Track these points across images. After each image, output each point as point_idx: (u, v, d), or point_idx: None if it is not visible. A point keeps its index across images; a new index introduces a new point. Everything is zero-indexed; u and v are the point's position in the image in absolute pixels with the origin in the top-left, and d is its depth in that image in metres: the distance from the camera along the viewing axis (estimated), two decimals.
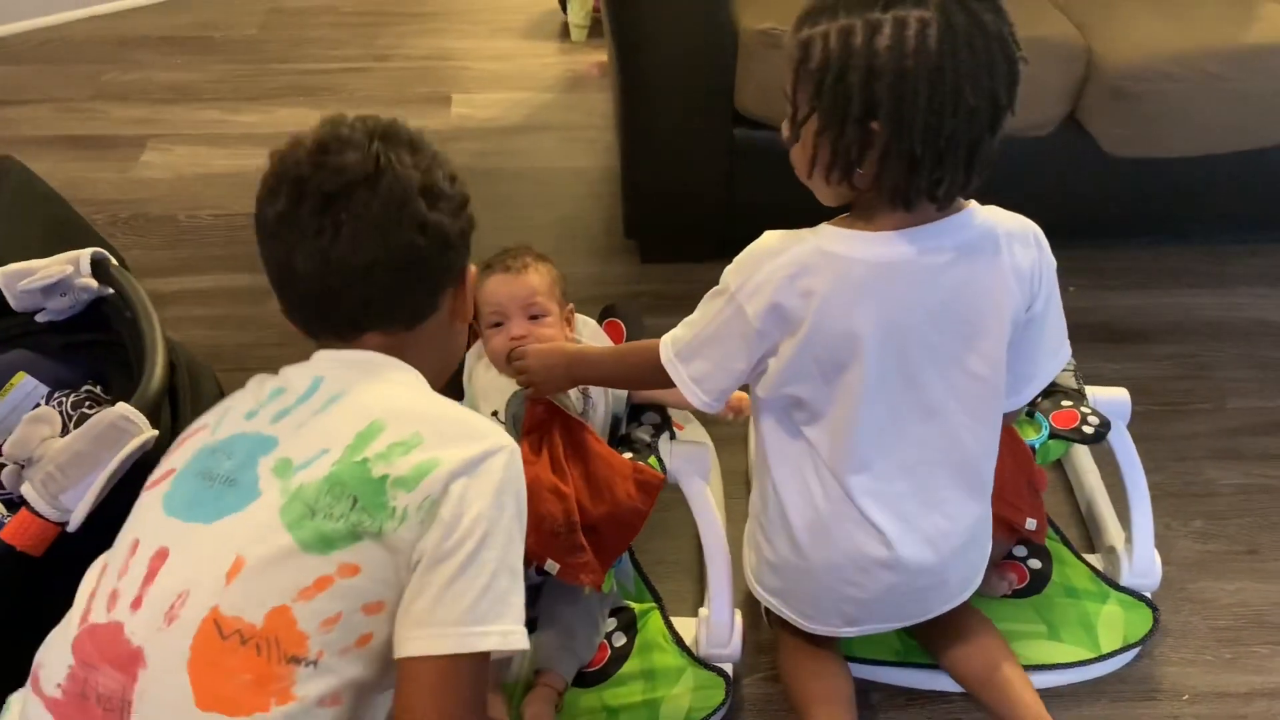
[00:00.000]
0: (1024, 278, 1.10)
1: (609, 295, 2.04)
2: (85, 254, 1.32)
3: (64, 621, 0.92)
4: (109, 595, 0.87)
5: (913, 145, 0.98)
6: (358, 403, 0.92)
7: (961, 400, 1.13)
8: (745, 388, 1.20)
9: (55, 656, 0.88)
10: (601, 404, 1.45)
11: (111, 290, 1.32)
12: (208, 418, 0.98)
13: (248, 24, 2.99)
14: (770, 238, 1.10)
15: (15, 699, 0.94)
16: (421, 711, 0.86)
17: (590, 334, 1.54)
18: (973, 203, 1.10)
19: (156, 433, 1.13)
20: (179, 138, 2.51)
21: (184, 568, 0.86)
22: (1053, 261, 1.14)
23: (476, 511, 0.87)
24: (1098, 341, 1.97)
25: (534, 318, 1.43)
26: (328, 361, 0.97)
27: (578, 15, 2.88)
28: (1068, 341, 1.22)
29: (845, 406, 1.11)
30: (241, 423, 0.94)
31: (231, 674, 0.83)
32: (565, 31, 2.96)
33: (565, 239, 2.24)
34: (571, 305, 1.56)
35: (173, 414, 1.21)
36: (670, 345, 1.17)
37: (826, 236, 1.07)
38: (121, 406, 1.11)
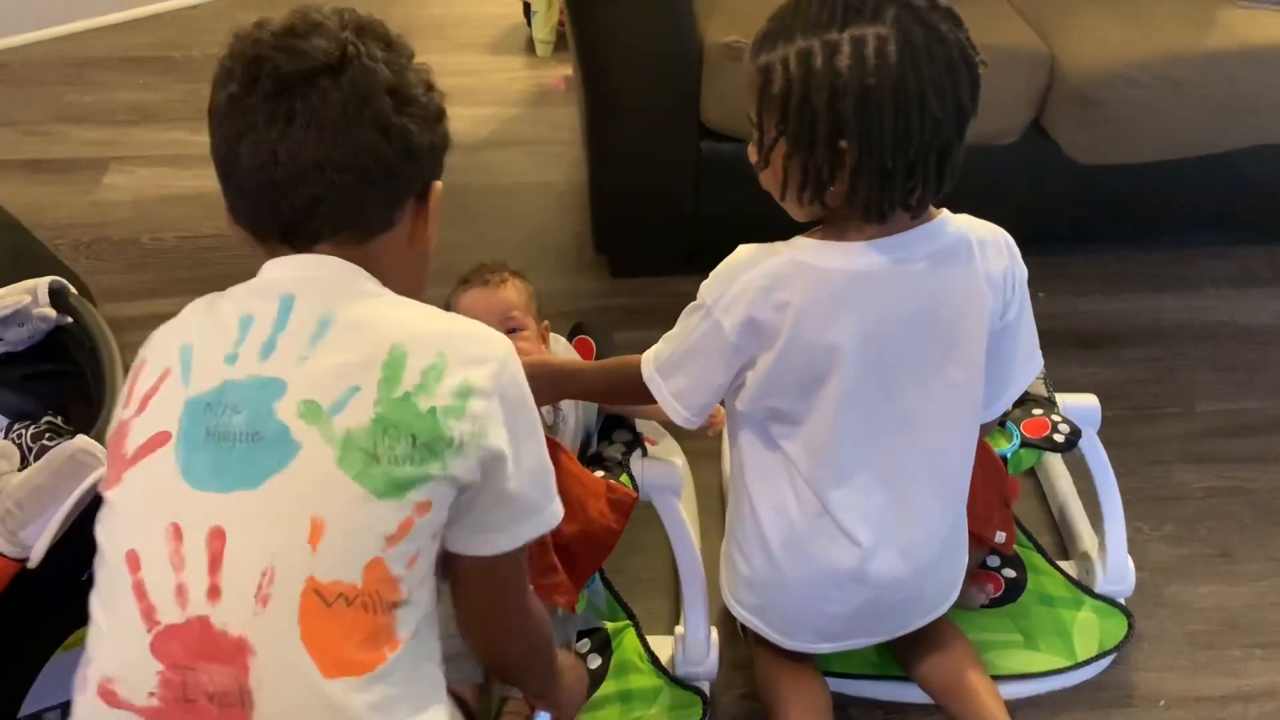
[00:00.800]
0: (997, 284, 1.11)
1: (580, 310, 2.03)
2: (43, 283, 1.30)
3: (96, 630, 0.85)
4: (174, 590, 0.81)
5: (884, 160, 0.99)
6: (361, 325, 0.86)
7: (939, 409, 1.13)
8: (722, 402, 1.20)
9: (129, 667, 0.82)
10: (572, 417, 1.44)
11: (70, 319, 1.30)
12: (167, 359, 0.88)
13: (209, 43, 2.91)
14: (744, 251, 1.10)
15: None
16: (493, 602, 0.95)
17: (562, 351, 1.53)
18: (944, 211, 1.10)
19: None
20: (141, 159, 2.48)
21: (254, 543, 0.81)
22: (1024, 270, 1.14)
23: (517, 420, 0.89)
24: (1067, 347, 1.98)
25: (510, 331, 1.42)
26: (288, 274, 0.89)
27: (542, 30, 2.88)
28: (1039, 350, 1.22)
29: (823, 418, 1.11)
30: (224, 368, 0.85)
31: (347, 636, 0.81)
32: (531, 46, 2.95)
33: (535, 254, 2.22)
34: (547, 323, 1.55)
35: None
36: (651, 361, 1.18)
37: (800, 248, 1.07)
38: (80, 439, 1.09)
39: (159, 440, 0.84)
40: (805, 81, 0.97)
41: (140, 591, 0.82)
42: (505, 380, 0.88)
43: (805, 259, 1.06)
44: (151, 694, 0.81)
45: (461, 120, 2.63)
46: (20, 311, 1.27)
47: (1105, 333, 2.03)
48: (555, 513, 0.94)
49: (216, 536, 0.81)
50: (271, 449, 0.82)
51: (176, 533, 0.82)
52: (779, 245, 1.09)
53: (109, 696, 0.83)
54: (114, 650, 0.84)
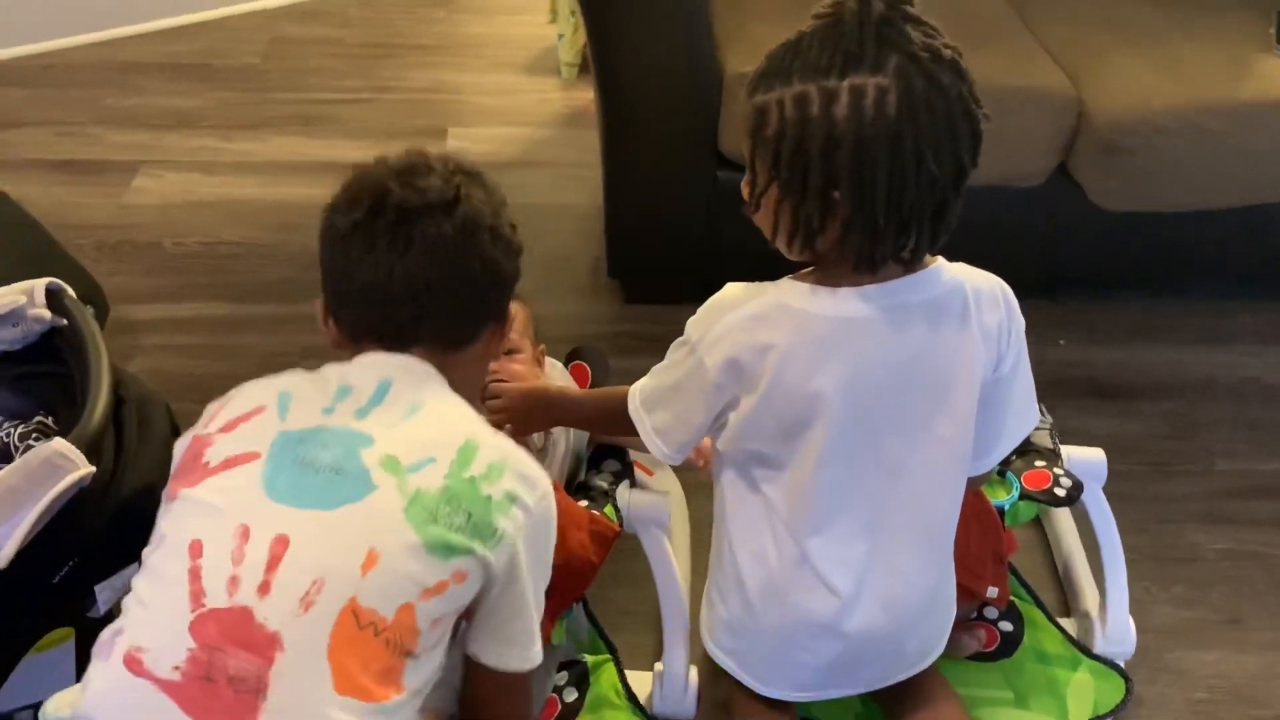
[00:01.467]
0: (991, 338, 1.07)
1: (590, 334, 2.02)
2: (40, 284, 1.31)
3: (138, 603, 0.94)
4: (228, 580, 0.90)
5: (876, 215, 0.97)
6: (445, 417, 1.00)
7: (925, 461, 1.10)
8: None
9: (163, 640, 0.89)
10: (562, 443, 1.43)
11: (65, 322, 1.30)
12: (262, 399, 1.01)
13: (250, 52, 3.00)
14: (731, 290, 1.09)
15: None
16: (500, 707, 1.07)
17: (558, 376, 1.52)
18: (940, 260, 1.07)
19: (94, 470, 1.11)
20: (172, 164, 2.51)
21: (314, 555, 0.91)
22: (1021, 322, 1.11)
23: (539, 547, 1.02)
24: (1084, 396, 1.93)
25: (507, 353, 1.41)
26: (388, 365, 1.01)
27: (567, 54, 2.88)
28: (1036, 405, 1.19)
29: (805, 464, 1.09)
30: (321, 416, 0.97)
31: (366, 663, 0.89)
32: (561, 67, 2.96)
33: (551, 276, 2.22)
34: (543, 346, 1.54)
35: (116, 449, 1.19)
36: (637, 394, 1.17)
37: (788, 291, 1.05)
38: (58, 442, 1.09)
39: (248, 457, 0.96)
40: (800, 128, 0.96)
41: (195, 575, 0.91)
42: (543, 508, 1.01)
43: (791, 302, 1.04)
44: (176, 668, 0.88)
45: (491, 140, 2.67)
46: (15, 311, 1.28)
47: (1124, 384, 1.98)
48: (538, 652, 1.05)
49: (280, 542, 0.91)
50: (352, 483, 0.93)
51: (244, 533, 0.92)
52: (767, 286, 1.07)
53: (134, 664, 0.89)
54: (152, 623, 0.92)
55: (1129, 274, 2.15)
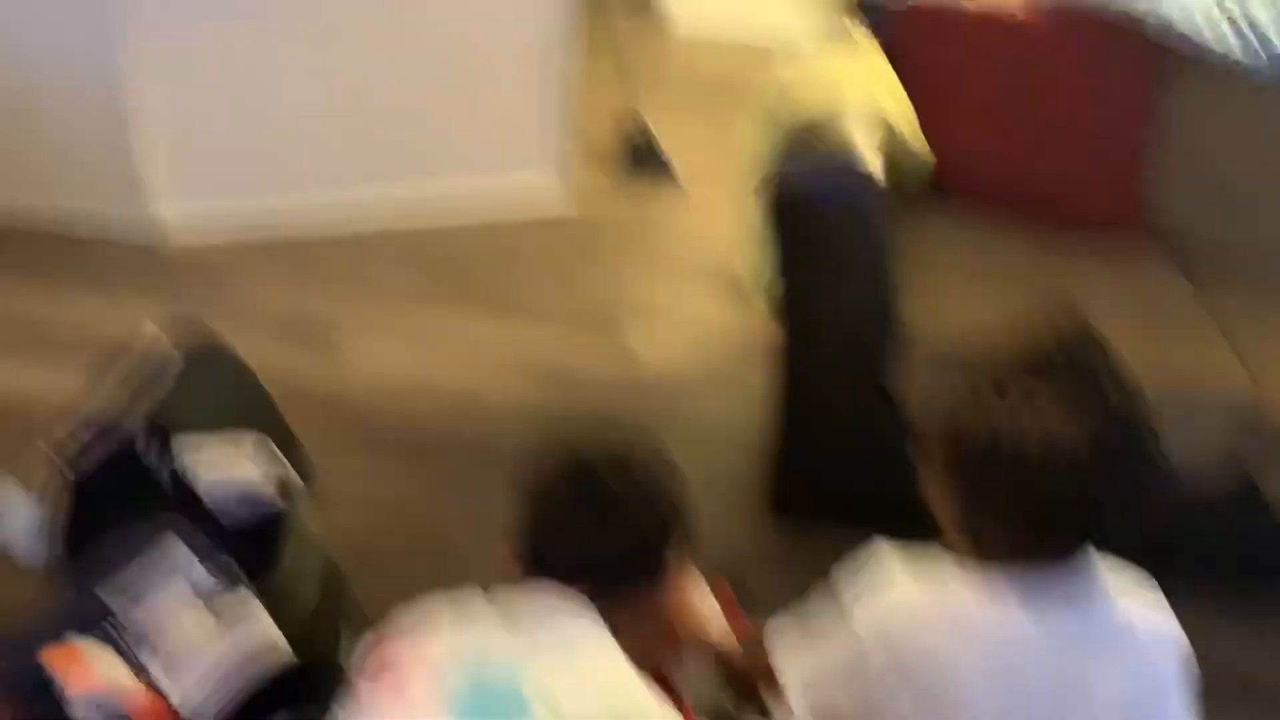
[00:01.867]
0: (1122, 707, 1.08)
1: (740, 555, 2.07)
2: (277, 475, 1.46)
3: None
4: None
5: (1017, 524, 1.05)
6: (608, 675, 1.07)
7: None
8: None
9: None
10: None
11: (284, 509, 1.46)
12: (442, 618, 1.10)
13: (463, 241, 3.25)
14: (897, 582, 1.13)
15: None
16: None
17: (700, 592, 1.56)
18: (1110, 590, 1.10)
19: (298, 661, 1.22)
20: (379, 334, 2.73)
21: None
22: (1171, 662, 1.11)
23: None
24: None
25: None
26: (562, 612, 1.09)
27: (765, 298, 2.99)
28: None
29: None
30: (492, 642, 1.07)
31: None
32: (752, 298, 3.06)
33: (715, 491, 2.26)
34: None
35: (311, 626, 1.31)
36: (796, 678, 1.22)
37: (953, 596, 1.09)
38: (270, 629, 1.21)
39: (428, 671, 1.05)
40: (993, 443, 1.03)
41: None
42: None
43: (958, 612, 1.08)
44: None
45: (668, 348, 2.80)
46: (252, 495, 1.44)
47: None
48: None
49: None
50: (516, 711, 1.01)
51: None
52: (933, 584, 1.11)
53: None
54: None
55: None
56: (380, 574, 1.97)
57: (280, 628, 1.22)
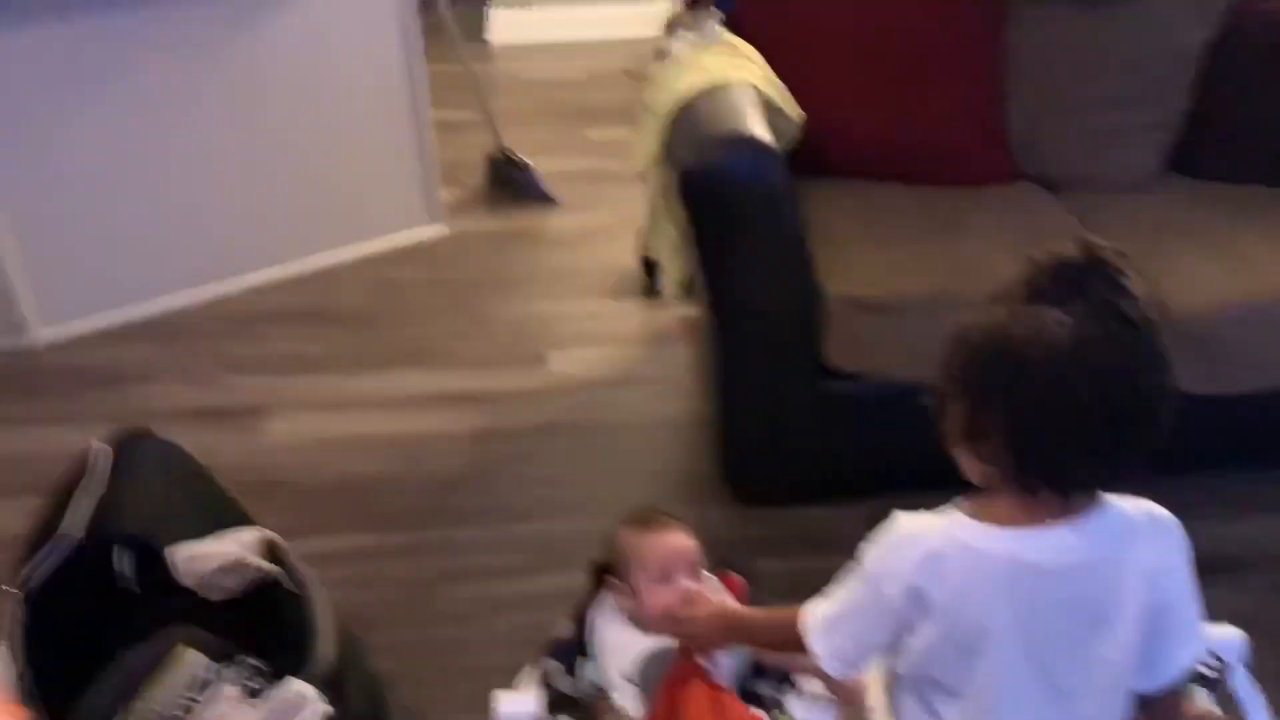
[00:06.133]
0: (1149, 574, 1.14)
1: (711, 540, 2.11)
2: (255, 536, 1.44)
3: None
4: None
5: (1021, 429, 1.05)
6: None
7: (1091, 684, 1.17)
8: None
9: None
10: (725, 662, 1.51)
11: (279, 569, 1.44)
12: None
13: (356, 297, 3.24)
14: (905, 523, 1.16)
15: None
16: None
17: (714, 589, 1.61)
18: (1108, 500, 1.14)
19: (331, 710, 1.21)
20: (300, 405, 2.70)
21: None
22: (1183, 555, 1.18)
23: None
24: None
25: (695, 573, 1.52)
26: None
27: (671, 284, 3.06)
28: (1200, 631, 1.24)
29: (981, 693, 1.16)
30: None
31: None
32: (648, 291, 3.15)
33: (664, 486, 2.36)
34: None
35: (339, 687, 1.30)
36: (813, 620, 1.24)
37: (962, 527, 1.13)
38: (297, 684, 1.20)
39: None
40: (985, 340, 1.07)
41: None
42: None
43: (968, 540, 1.11)
44: None
45: (586, 360, 2.85)
46: (238, 563, 1.42)
47: (1228, 558, 2.04)
48: None
49: None
50: None
51: None
52: (939, 520, 1.15)
53: None
54: None
55: (1216, 452, 2.23)
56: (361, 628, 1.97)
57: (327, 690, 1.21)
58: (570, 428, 2.58)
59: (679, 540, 1.53)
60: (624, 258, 3.31)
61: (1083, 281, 1.03)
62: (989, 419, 1.08)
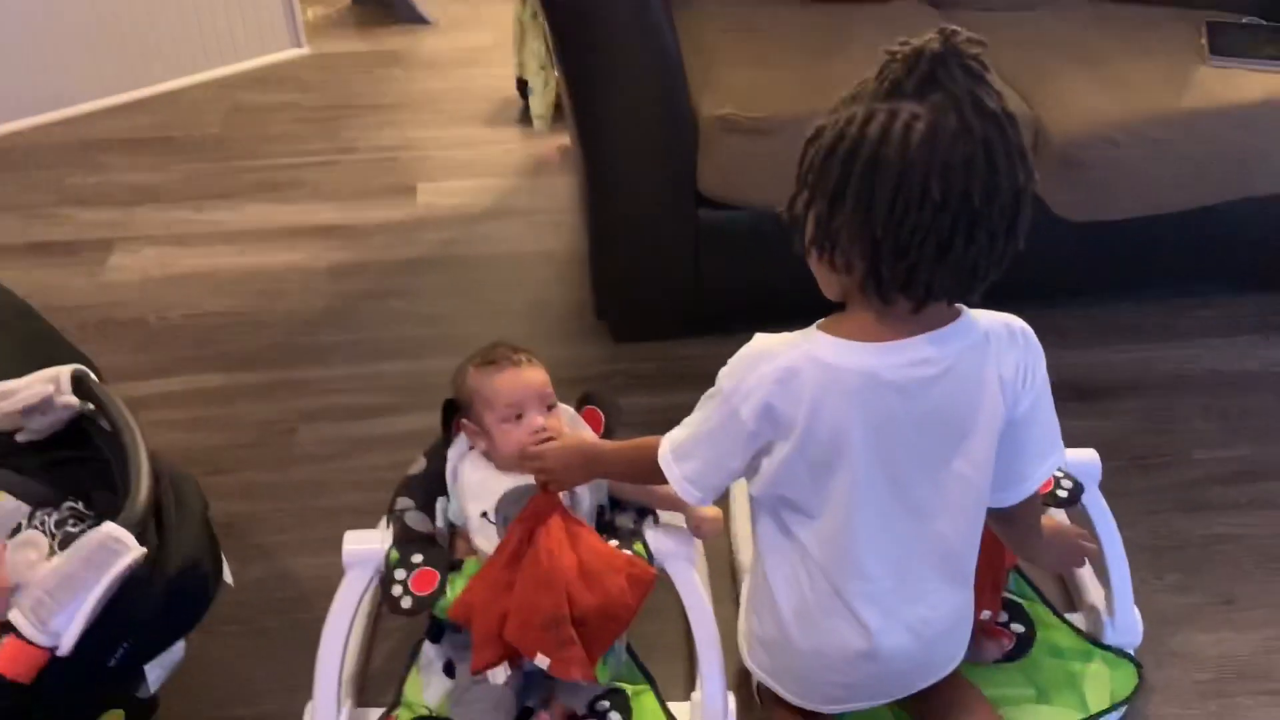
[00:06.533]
0: (1007, 383, 1.11)
1: (584, 377, 2.07)
2: (65, 372, 1.32)
3: None
4: None
5: (874, 229, 0.99)
6: None
7: (946, 500, 1.15)
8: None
9: None
10: (587, 497, 1.47)
11: (91, 406, 1.32)
12: None
13: (209, 123, 3.03)
14: (761, 341, 1.12)
15: None
16: None
17: (572, 421, 1.56)
18: (965, 311, 1.10)
19: (145, 550, 1.12)
20: (146, 239, 2.52)
21: None
22: (1040, 363, 1.14)
23: None
24: (1062, 400, 1.96)
25: (551, 409, 1.45)
26: None
27: (539, 106, 2.94)
28: (1059, 441, 1.22)
29: (835, 512, 1.13)
30: None
31: None
32: (525, 118, 3.02)
33: (537, 322, 2.27)
34: None
35: (158, 528, 1.21)
36: (667, 445, 1.20)
37: (818, 343, 1.09)
38: (109, 526, 1.11)
39: None
40: (835, 139, 1.00)
41: None
42: None
43: (822, 355, 1.07)
44: None
45: (460, 193, 2.72)
46: (44, 401, 1.30)
47: (1100, 385, 2.07)
48: None
49: None
50: None
51: None
52: (796, 336, 1.10)
53: None
54: None
55: (1092, 280, 2.25)
56: (204, 469, 1.87)
57: (139, 533, 1.11)
58: (440, 262, 2.46)
59: (527, 376, 1.45)
60: (502, 83, 3.15)
61: (941, 73, 0.96)
62: (842, 222, 1.01)
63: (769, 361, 1.09)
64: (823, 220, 1.03)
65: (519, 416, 1.43)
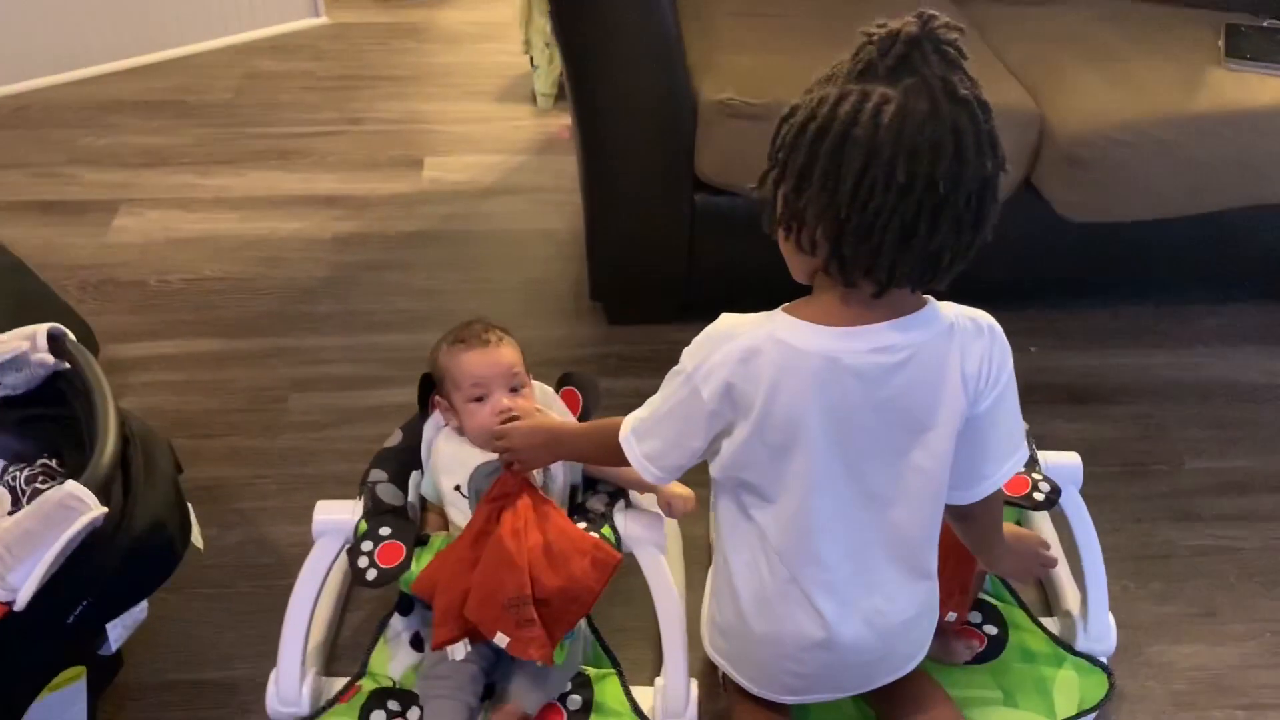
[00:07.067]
0: (969, 379, 1.09)
1: (575, 357, 2.07)
2: (42, 329, 1.33)
3: None
4: None
5: (839, 209, 0.97)
6: None
7: (904, 490, 1.13)
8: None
9: None
10: (561, 476, 1.46)
11: (68, 365, 1.33)
12: None
13: (222, 88, 3.03)
14: (726, 321, 1.11)
15: None
16: None
17: (546, 399, 1.55)
18: (930, 300, 1.10)
19: (106, 510, 1.13)
20: (151, 202, 2.53)
21: None
22: (1007, 362, 1.12)
23: None
24: (1057, 402, 1.99)
25: (514, 390, 1.45)
26: None
27: (544, 84, 2.93)
28: (1024, 441, 1.20)
29: (792, 495, 1.12)
30: None
31: None
32: (535, 96, 3.00)
33: (533, 300, 2.27)
34: (530, 374, 1.57)
35: (124, 489, 1.21)
36: (629, 424, 1.19)
37: (780, 324, 1.08)
38: (70, 485, 1.12)
39: None
40: (807, 118, 0.99)
41: None
42: None
43: (784, 336, 1.07)
44: None
45: (466, 168, 2.71)
46: (19, 357, 1.30)
47: (1094, 388, 2.04)
48: None
49: None
50: None
51: None
52: (760, 317, 1.10)
53: None
54: None
55: (1095, 281, 2.22)
56: (194, 432, 1.89)
57: (101, 493, 1.12)
58: (441, 237, 2.45)
59: (494, 356, 1.44)
60: (517, 59, 3.13)
61: (915, 56, 0.95)
62: (808, 200, 1.00)
63: (731, 340, 1.08)
64: (790, 199, 1.01)
65: (482, 395, 1.43)
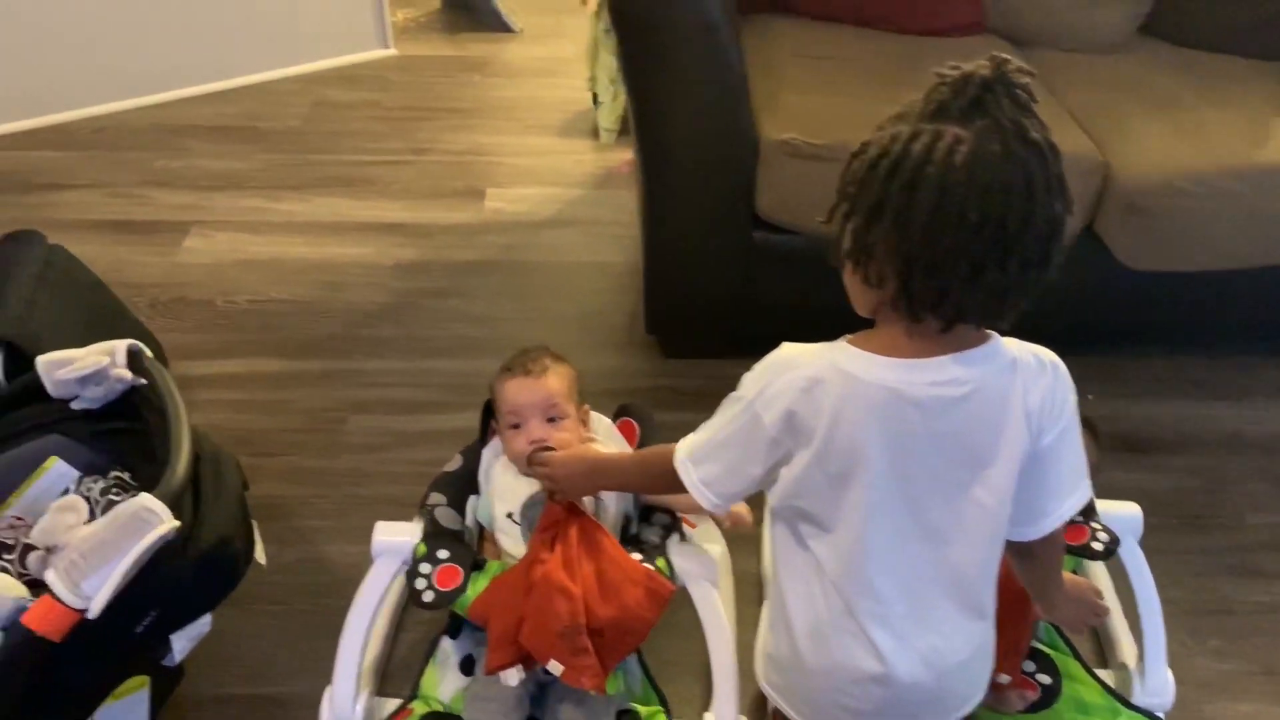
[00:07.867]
0: (1033, 416, 1.09)
1: (629, 389, 2.08)
2: (122, 346, 1.37)
3: None
4: None
5: (910, 246, 0.99)
6: None
7: (962, 526, 1.13)
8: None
9: None
10: (613, 506, 1.47)
11: (144, 381, 1.37)
12: None
13: (292, 116, 3.10)
14: (787, 349, 1.12)
15: None
16: None
17: (605, 431, 1.57)
18: (994, 336, 1.10)
19: (178, 524, 1.16)
20: (221, 224, 2.60)
21: None
22: (1070, 399, 1.12)
23: None
24: (1115, 451, 1.97)
25: (551, 420, 1.46)
26: None
27: (608, 119, 2.97)
28: (1086, 479, 1.18)
29: (849, 526, 1.12)
30: None
31: None
32: (598, 130, 3.05)
33: (588, 331, 2.29)
34: (587, 405, 1.58)
35: (194, 504, 1.25)
36: (684, 448, 1.20)
37: (843, 354, 1.08)
38: (145, 497, 1.15)
39: None
40: (879, 155, 1.00)
41: None
42: None
43: (846, 366, 1.07)
44: None
45: (526, 200, 2.75)
46: (99, 372, 1.35)
47: (1155, 438, 2.02)
48: None
49: None
50: None
51: None
52: (822, 347, 1.10)
53: None
54: None
55: (1156, 330, 2.20)
56: (254, 450, 1.92)
57: (174, 507, 1.15)
58: (500, 266, 2.49)
59: (532, 386, 1.46)
60: (579, 94, 3.18)
61: (988, 99, 0.96)
62: (878, 236, 1.01)
63: (794, 369, 1.09)
64: (860, 233, 1.03)
65: (520, 425, 1.45)
